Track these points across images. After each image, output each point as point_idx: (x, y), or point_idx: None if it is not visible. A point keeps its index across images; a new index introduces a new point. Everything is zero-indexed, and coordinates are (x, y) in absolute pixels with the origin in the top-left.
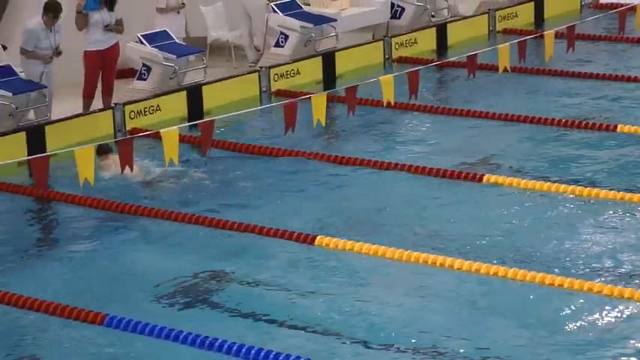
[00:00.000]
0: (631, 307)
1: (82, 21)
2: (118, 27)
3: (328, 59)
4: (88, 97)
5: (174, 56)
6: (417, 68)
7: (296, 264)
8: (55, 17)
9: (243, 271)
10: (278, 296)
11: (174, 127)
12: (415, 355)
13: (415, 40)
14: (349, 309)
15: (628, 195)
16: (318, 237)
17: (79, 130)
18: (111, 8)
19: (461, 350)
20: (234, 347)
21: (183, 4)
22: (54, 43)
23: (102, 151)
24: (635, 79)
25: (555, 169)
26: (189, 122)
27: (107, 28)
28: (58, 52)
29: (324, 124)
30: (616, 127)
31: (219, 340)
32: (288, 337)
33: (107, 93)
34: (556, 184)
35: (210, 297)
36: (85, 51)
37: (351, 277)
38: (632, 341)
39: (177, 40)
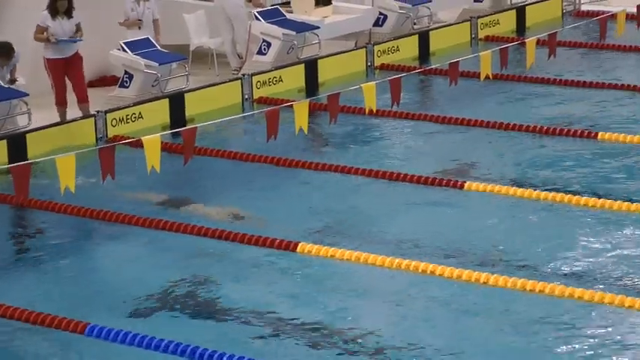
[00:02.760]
0: (605, 311)
1: (40, 34)
2: (76, 34)
3: (311, 67)
4: (59, 104)
5: (157, 64)
6: (399, 75)
7: (277, 271)
8: (7, 59)
9: (224, 278)
10: (259, 303)
11: (156, 134)
12: None
13: (397, 47)
14: (329, 315)
15: (608, 202)
16: (300, 244)
17: (60, 137)
18: (69, 16)
19: (439, 355)
20: (215, 355)
21: (140, 20)
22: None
23: None
24: (616, 87)
25: (536, 175)
26: (171, 130)
27: (63, 40)
28: (12, 81)
29: (306, 132)
30: (597, 134)
31: (200, 349)
32: (269, 344)
33: (80, 100)
34: (537, 191)
35: (191, 304)
36: (46, 58)
37: (332, 284)
38: (605, 342)
39: (159, 48)
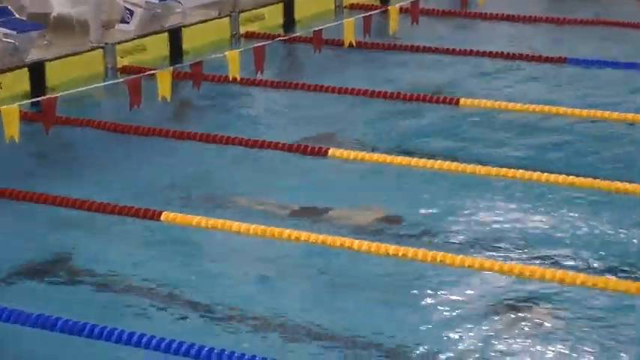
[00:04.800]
0: (450, 272)
1: None
2: None
3: (175, 35)
4: None
5: (15, 32)
6: (262, 43)
7: (141, 240)
8: None
9: (86, 248)
10: (123, 272)
11: (15, 104)
12: (266, 332)
13: (263, 15)
14: (192, 282)
15: (470, 167)
16: (164, 212)
17: None
18: None
19: (316, 323)
20: (77, 326)
21: None
22: None
23: None
24: (477, 53)
25: (401, 142)
26: (31, 99)
27: None
28: None
29: (169, 100)
30: (459, 100)
31: (63, 320)
32: (137, 315)
33: None
34: (400, 157)
35: (52, 277)
36: None
37: (198, 252)
38: (495, 317)
39: (18, 16)
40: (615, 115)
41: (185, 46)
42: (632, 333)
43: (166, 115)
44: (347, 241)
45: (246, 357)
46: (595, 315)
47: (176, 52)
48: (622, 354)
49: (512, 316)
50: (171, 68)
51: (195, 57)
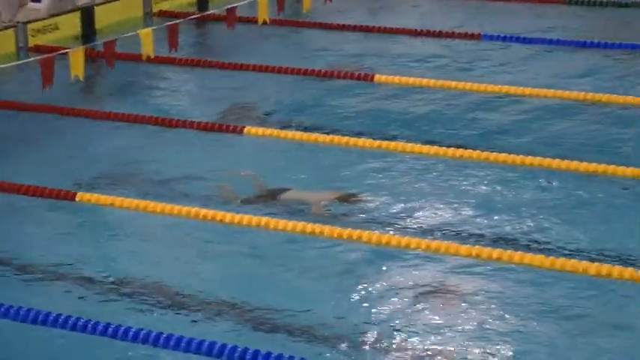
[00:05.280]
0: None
1: None
2: None
3: (87, 14)
4: None
5: None
6: (175, 21)
7: (56, 221)
8: None
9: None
10: (38, 253)
11: None
12: (181, 310)
13: None
14: (109, 263)
15: (385, 143)
16: (79, 193)
17: None
18: None
19: (214, 292)
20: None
21: None
22: None
23: None
24: (391, 30)
25: (316, 119)
26: None
27: None
28: None
29: (82, 79)
30: (374, 76)
31: None
32: (60, 296)
33: None
34: (315, 134)
35: None
36: None
37: (111, 231)
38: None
39: None
40: (528, 90)
41: (98, 25)
42: (546, 307)
43: (79, 95)
44: (264, 220)
45: (153, 334)
46: (511, 289)
47: (89, 31)
48: (536, 326)
49: (431, 292)
50: (83, 47)
51: (108, 36)
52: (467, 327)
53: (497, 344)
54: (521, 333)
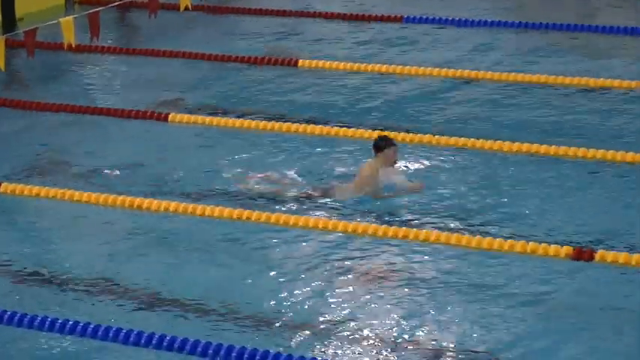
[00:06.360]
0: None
1: None
2: None
3: (7, 2)
4: None
5: None
6: (96, 9)
7: None
8: None
9: None
10: None
11: None
12: (102, 298)
13: None
14: (36, 254)
15: (309, 127)
16: (3, 184)
17: None
18: None
19: (148, 282)
20: None
21: None
22: None
23: None
24: (314, 14)
25: (240, 105)
26: None
27: None
28: None
29: (4, 70)
30: (297, 62)
31: None
32: None
33: None
34: (240, 120)
35: None
36: None
37: (38, 222)
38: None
39: None
40: (459, 72)
41: (19, 13)
42: (468, 289)
43: (0, 85)
44: (181, 206)
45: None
46: (440, 270)
47: (9, 20)
48: (461, 308)
49: (352, 272)
50: (4, 37)
51: (29, 25)
52: (411, 310)
53: (436, 326)
54: (449, 313)
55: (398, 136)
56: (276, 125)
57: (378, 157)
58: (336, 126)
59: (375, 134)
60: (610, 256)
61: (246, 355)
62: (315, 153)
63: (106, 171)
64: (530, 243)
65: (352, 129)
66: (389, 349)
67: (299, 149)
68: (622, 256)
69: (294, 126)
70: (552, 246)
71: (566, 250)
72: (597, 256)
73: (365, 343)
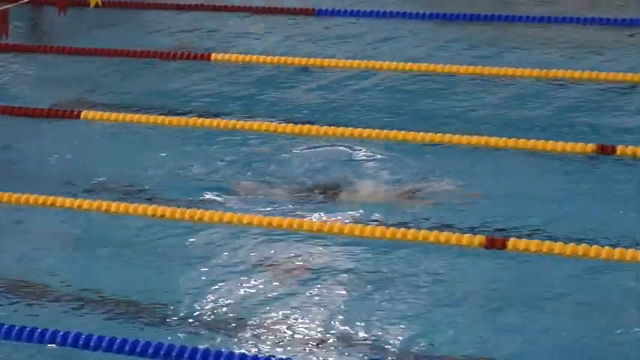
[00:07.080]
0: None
1: None
2: None
3: None
4: None
5: None
6: (5, 6)
7: None
8: None
9: None
10: None
11: None
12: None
13: None
14: None
15: (223, 122)
16: None
17: None
18: None
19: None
20: None
21: None
22: None
23: None
24: (227, 8)
25: (153, 100)
26: None
27: None
28: None
29: None
30: (210, 56)
31: None
32: None
33: None
34: (154, 116)
35: None
36: None
37: None
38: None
39: None
40: (371, 63)
41: None
42: (411, 281)
43: None
44: (94, 204)
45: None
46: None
47: None
48: (402, 304)
49: (280, 269)
50: None
51: None
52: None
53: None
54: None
55: (312, 129)
56: (190, 120)
57: None
58: (250, 120)
59: (289, 127)
60: (522, 244)
61: (174, 353)
62: (227, 150)
63: (16, 169)
64: (444, 232)
65: (266, 122)
66: (315, 344)
67: (209, 144)
68: (533, 244)
69: (207, 121)
70: (465, 235)
71: (479, 239)
72: (509, 244)
73: (291, 338)
